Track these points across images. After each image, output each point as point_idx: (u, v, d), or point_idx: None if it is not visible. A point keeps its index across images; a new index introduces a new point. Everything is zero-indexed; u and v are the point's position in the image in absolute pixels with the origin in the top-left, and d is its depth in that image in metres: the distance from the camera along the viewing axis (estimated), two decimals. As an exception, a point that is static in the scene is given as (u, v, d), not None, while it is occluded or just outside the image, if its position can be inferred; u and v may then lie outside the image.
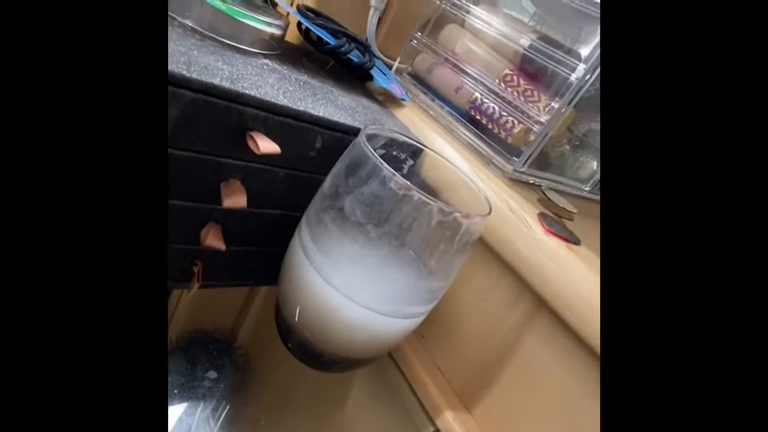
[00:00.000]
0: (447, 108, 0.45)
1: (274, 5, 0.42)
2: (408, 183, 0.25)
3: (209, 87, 0.25)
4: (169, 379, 0.28)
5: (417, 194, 0.25)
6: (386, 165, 0.26)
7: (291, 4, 0.49)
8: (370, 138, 0.30)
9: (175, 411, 0.29)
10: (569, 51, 0.38)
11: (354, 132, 0.33)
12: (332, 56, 0.41)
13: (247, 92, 0.27)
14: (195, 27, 0.31)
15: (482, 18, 0.46)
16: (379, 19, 0.53)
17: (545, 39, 0.40)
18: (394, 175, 0.25)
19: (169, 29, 0.29)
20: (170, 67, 0.24)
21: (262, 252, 0.36)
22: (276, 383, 0.47)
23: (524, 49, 0.41)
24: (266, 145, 0.28)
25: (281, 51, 0.38)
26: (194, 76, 0.25)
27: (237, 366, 0.33)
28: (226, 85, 0.26)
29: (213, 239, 0.31)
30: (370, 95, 0.44)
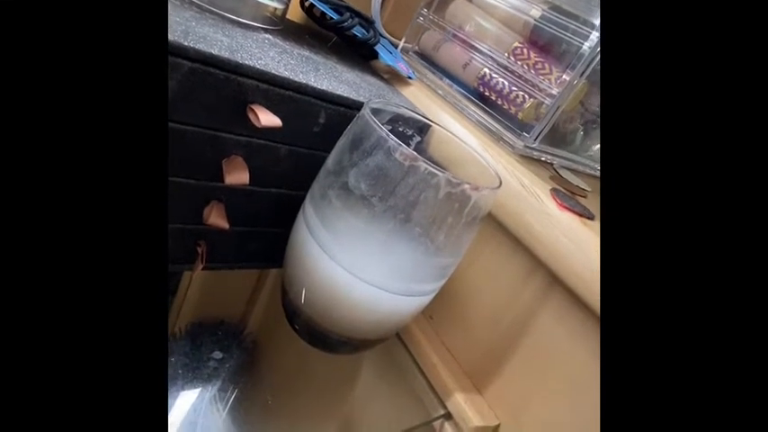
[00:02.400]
0: (455, 86, 0.44)
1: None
2: (415, 153, 0.24)
3: (208, 57, 0.24)
4: (173, 359, 0.28)
5: (424, 165, 0.24)
6: (392, 136, 0.25)
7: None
8: (375, 111, 0.29)
9: (180, 392, 0.29)
10: (581, 20, 0.36)
11: (359, 107, 0.32)
12: (335, 31, 0.40)
13: (247, 62, 0.26)
14: (195, 0, 0.31)
15: (490, -9, 0.44)
16: (384, -3, 0.52)
17: (556, 9, 0.38)
18: (400, 145, 0.24)
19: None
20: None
21: (266, 233, 0.35)
22: (284, 365, 0.46)
23: (535, 20, 0.40)
24: (267, 118, 0.27)
25: (282, 27, 0.37)
26: (191, 44, 0.24)
27: (244, 348, 0.32)
28: (225, 54, 0.25)
29: (216, 218, 0.30)
30: (376, 73, 0.43)
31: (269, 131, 0.29)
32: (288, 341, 0.51)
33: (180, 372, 0.27)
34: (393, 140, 0.25)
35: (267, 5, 0.33)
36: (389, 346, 0.39)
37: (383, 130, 0.25)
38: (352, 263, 0.27)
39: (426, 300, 0.30)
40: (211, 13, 0.31)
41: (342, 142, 0.28)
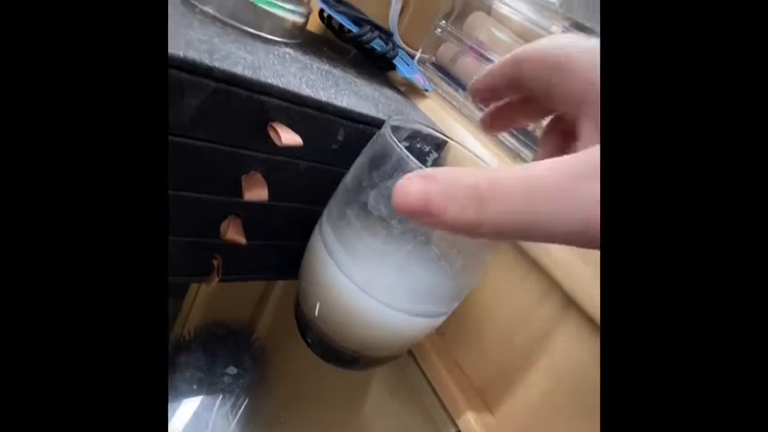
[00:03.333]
0: (472, 98, 0.44)
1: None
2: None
3: (232, 77, 0.24)
4: (189, 374, 0.28)
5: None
6: (412, 158, 0.25)
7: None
8: (395, 129, 0.29)
9: (194, 406, 0.29)
10: (603, 39, 0.36)
11: (378, 124, 0.32)
12: (354, 44, 0.40)
13: (270, 81, 0.26)
14: (216, 14, 0.31)
15: (509, 5, 0.44)
16: (401, 7, 0.52)
17: (577, 26, 0.38)
18: (421, 168, 0.24)
19: (190, 16, 0.28)
20: (192, 56, 0.23)
21: (281, 246, 0.35)
22: (295, 378, 0.46)
23: (555, 38, 0.39)
24: (288, 136, 0.27)
25: (302, 40, 0.37)
26: (216, 64, 0.24)
27: (256, 361, 0.32)
28: (248, 74, 0.25)
29: (234, 233, 0.30)
30: (392, 85, 0.43)
31: (288, 148, 0.29)
32: (298, 353, 0.51)
33: (195, 387, 0.27)
34: (414, 163, 0.24)
35: (287, 19, 0.33)
36: (401, 361, 0.39)
37: (404, 152, 0.25)
38: (369, 283, 0.27)
39: (441, 320, 0.30)
40: (233, 27, 0.31)
41: (361, 160, 0.28)
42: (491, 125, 0.25)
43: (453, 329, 0.39)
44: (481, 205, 0.13)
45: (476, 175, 0.13)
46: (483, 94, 0.24)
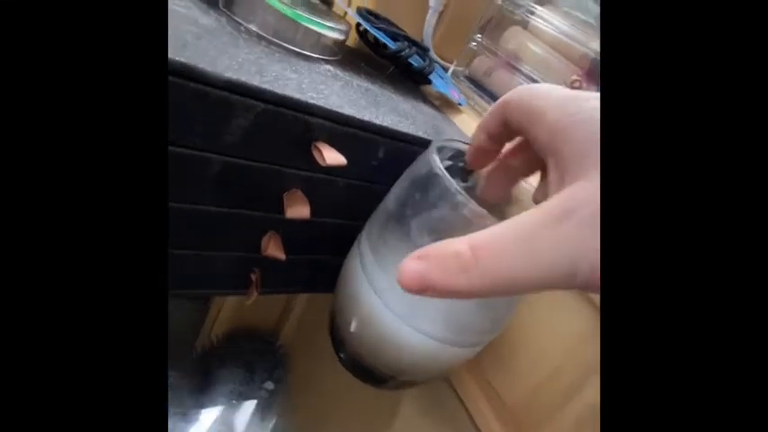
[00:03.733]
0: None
1: (330, 6, 0.41)
2: (485, 211, 0.23)
3: (281, 98, 0.25)
4: (230, 389, 0.28)
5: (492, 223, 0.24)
6: (460, 189, 0.24)
7: (350, 6, 0.48)
8: (439, 151, 0.29)
9: (231, 419, 0.29)
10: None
11: (417, 142, 0.32)
12: (391, 60, 0.40)
13: (315, 102, 0.26)
14: (260, 32, 0.31)
15: (547, 20, 0.43)
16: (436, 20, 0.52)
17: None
18: (468, 201, 0.24)
19: (236, 35, 0.29)
20: (242, 78, 0.23)
21: (318, 260, 0.35)
22: (321, 392, 0.46)
23: (595, 54, 0.39)
24: (332, 156, 0.27)
25: (341, 56, 0.37)
26: (267, 86, 0.24)
27: (287, 374, 0.32)
28: (296, 95, 0.25)
29: (274, 249, 0.30)
30: (427, 100, 0.43)
31: (331, 167, 0.29)
32: (324, 362, 0.51)
33: (234, 401, 0.27)
34: (462, 196, 0.24)
35: (328, 36, 0.34)
36: (433, 381, 0.38)
37: (452, 184, 0.24)
38: (406, 310, 0.27)
39: (479, 348, 0.30)
40: (278, 46, 0.31)
41: (403, 183, 0.28)
42: (492, 186, 0.25)
43: (488, 351, 0.38)
44: (468, 272, 0.14)
45: (459, 244, 0.15)
46: (477, 152, 0.24)
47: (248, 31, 0.30)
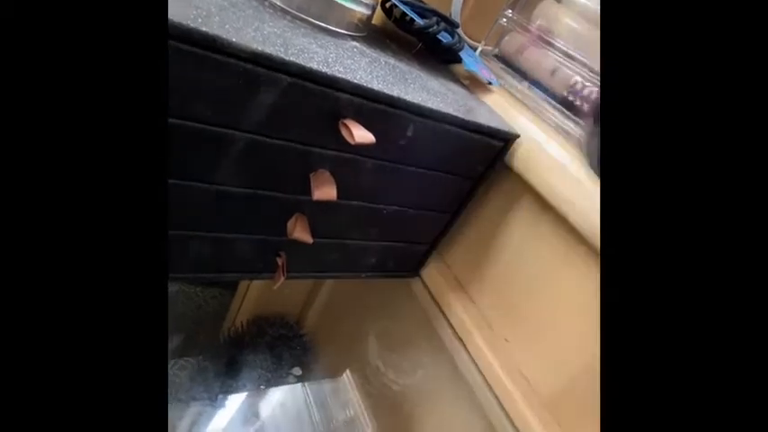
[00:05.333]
0: (539, 92, 0.41)
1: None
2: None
3: (307, 72, 0.23)
4: (257, 374, 0.27)
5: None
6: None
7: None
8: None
9: (258, 404, 0.29)
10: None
11: (448, 121, 0.30)
12: (419, 36, 0.39)
13: (343, 76, 0.25)
14: (285, 7, 0.30)
15: (583, -8, 0.41)
16: (464, -4, 0.50)
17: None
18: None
19: (260, 9, 0.28)
20: (268, 50, 0.22)
21: (344, 244, 0.35)
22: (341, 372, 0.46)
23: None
24: (361, 134, 0.26)
25: (366, 33, 0.35)
26: (292, 59, 0.23)
27: (315, 360, 0.32)
28: (323, 69, 0.24)
29: (301, 232, 0.29)
30: (456, 79, 0.41)
31: (360, 146, 0.28)
32: (343, 345, 0.50)
33: (263, 387, 0.27)
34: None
35: (355, 12, 0.32)
36: (462, 368, 0.37)
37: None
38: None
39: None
40: (302, 21, 0.30)
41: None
42: None
43: (517, 335, 0.37)
44: None
45: None
46: None
47: (272, 5, 0.29)
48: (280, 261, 0.32)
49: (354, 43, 0.32)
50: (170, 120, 0.22)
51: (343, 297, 0.60)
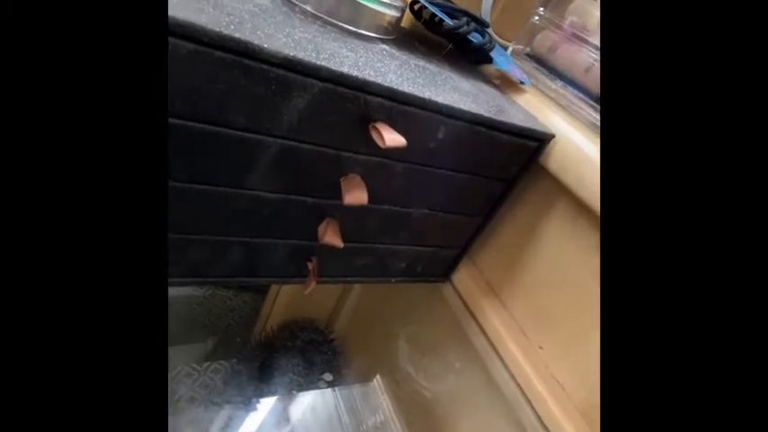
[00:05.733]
0: (574, 90, 0.40)
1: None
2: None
3: (338, 76, 0.23)
4: (288, 378, 0.27)
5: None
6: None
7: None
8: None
9: (289, 408, 0.29)
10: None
11: (480, 122, 0.30)
12: (449, 37, 0.38)
13: (374, 80, 0.25)
14: (315, 12, 0.30)
15: (620, -14, 0.39)
16: (493, -5, 0.49)
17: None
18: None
19: (291, 15, 0.28)
20: (299, 55, 0.22)
21: (374, 249, 0.34)
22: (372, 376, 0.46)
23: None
24: (392, 137, 0.25)
25: (395, 36, 0.35)
26: (323, 63, 0.23)
27: (346, 366, 0.32)
28: (354, 73, 0.24)
29: (332, 237, 0.29)
30: (487, 80, 0.40)
31: (390, 150, 0.27)
32: (374, 349, 0.50)
33: (294, 391, 0.27)
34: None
35: (384, 14, 0.32)
36: (495, 375, 0.36)
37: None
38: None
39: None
40: (332, 25, 0.30)
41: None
42: None
43: (551, 342, 0.36)
44: None
45: None
46: None
47: (303, 11, 0.30)
48: (311, 266, 0.32)
49: (384, 46, 0.32)
50: (205, 127, 0.22)
51: (372, 301, 0.60)
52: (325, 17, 0.30)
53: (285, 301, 0.67)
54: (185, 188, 0.24)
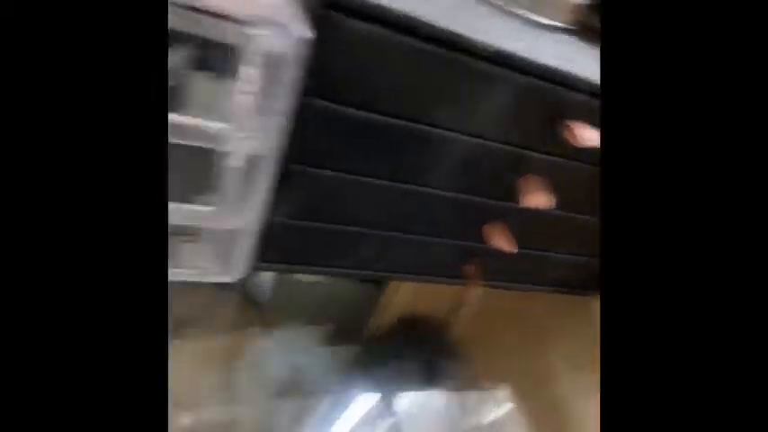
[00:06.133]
0: None
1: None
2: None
3: (543, 69, 0.22)
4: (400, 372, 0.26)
5: None
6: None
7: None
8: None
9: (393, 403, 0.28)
10: None
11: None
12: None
13: (574, 72, 0.23)
14: (500, 4, 0.28)
15: None
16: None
17: None
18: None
19: (490, 8, 0.27)
20: (509, 47, 0.21)
21: (547, 257, 0.32)
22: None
23: None
24: (588, 136, 0.23)
25: (578, 26, 0.32)
26: (528, 56, 0.21)
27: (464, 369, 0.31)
28: (553, 64, 0.22)
29: (502, 240, 0.28)
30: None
31: (580, 149, 0.25)
32: (507, 359, 0.48)
33: (401, 387, 0.26)
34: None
35: (569, 2, 0.30)
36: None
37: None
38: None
39: None
40: (516, 16, 0.28)
41: None
42: None
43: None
44: None
45: None
46: None
47: (490, 3, 0.28)
48: (473, 268, 0.30)
49: (570, 36, 0.29)
50: (400, 122, 0.22)
51: (497, 306, 0.57)
52: (510, 8, 0.28)
53: (403, 295, 0.67)
54: (376, 184, 0.24)
